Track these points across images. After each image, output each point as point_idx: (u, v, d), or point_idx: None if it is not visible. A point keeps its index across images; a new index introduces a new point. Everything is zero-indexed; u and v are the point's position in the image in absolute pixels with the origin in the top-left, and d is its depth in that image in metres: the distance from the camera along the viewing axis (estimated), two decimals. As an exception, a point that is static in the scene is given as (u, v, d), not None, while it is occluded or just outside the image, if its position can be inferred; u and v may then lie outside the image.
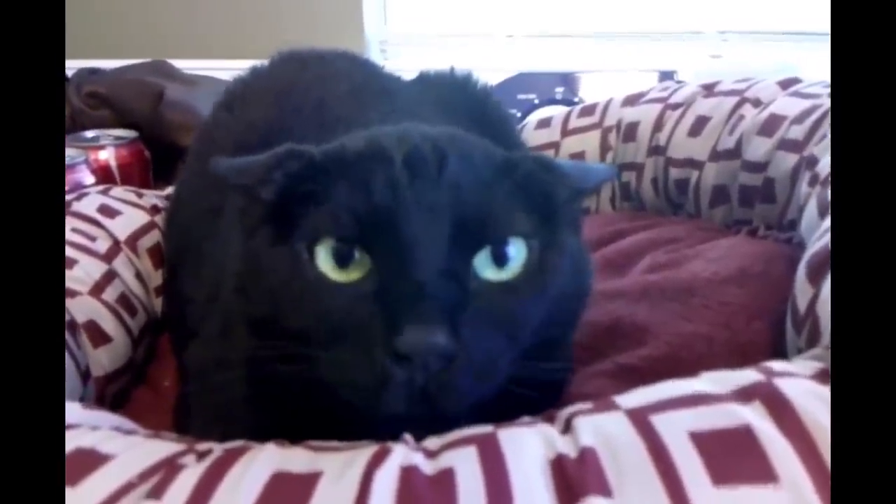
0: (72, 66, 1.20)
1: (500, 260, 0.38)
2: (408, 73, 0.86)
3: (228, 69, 1.27)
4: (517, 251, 0.39)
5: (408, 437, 0.33)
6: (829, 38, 0.36)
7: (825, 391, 0.30)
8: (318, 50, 0.76)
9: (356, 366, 0.36)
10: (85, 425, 0.35)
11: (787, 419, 0.29)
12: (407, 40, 1.62)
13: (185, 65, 1.23)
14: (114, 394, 0.62)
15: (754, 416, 0.29)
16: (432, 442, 0.32)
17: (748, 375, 0.32)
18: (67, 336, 0.58)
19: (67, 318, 0.59)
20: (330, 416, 0.38)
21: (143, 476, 0.31)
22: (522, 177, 0.41)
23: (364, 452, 0.31)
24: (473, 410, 0.36)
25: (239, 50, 1.43)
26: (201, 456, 0.32)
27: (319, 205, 0.39)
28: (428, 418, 0.35)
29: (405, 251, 0.37)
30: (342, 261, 0.38)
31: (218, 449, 0.33)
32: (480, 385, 0.36)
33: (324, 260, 0.38)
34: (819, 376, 0.31)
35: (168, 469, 0.31)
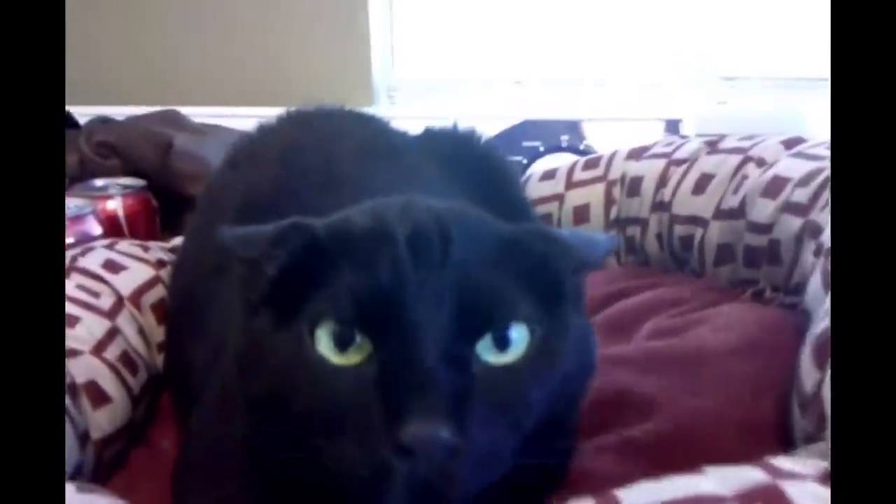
0: (83, 112, 1.22)
1: (502, 344, 0.38)
2: (415, 119, 0.87)
3: (238, 115, 1.29)
4: (519, 335, 0.38)
5: None
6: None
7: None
8: (326, 108, 0.76)
9: (356, 456, 0.35)
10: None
11: (794, 528, 0.28)
12: (414, 86, 1.64)
13: (194, 111, 1.25)
14: (112, 456, 0.61)
15: (759, 523, 0.28)
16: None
17: (754, 476, 0.31)
18: (67, 400, 0.57)
19: (68, 380, 0.59)
20: (330, 502, 0.38)
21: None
22: (529, 255, 0.40)
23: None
24: (475, 496, 0.36)
25: (248, 97, 1.45)
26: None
27: (321, 285, 0.39)
28: None
29: (408, 336, 0.36)
30: (343, 344, 0.38)
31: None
32: (484, 475, 0.36)
33: (324, 343, 0.38)
34: (824, 478, 0.30)
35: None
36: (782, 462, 0.32)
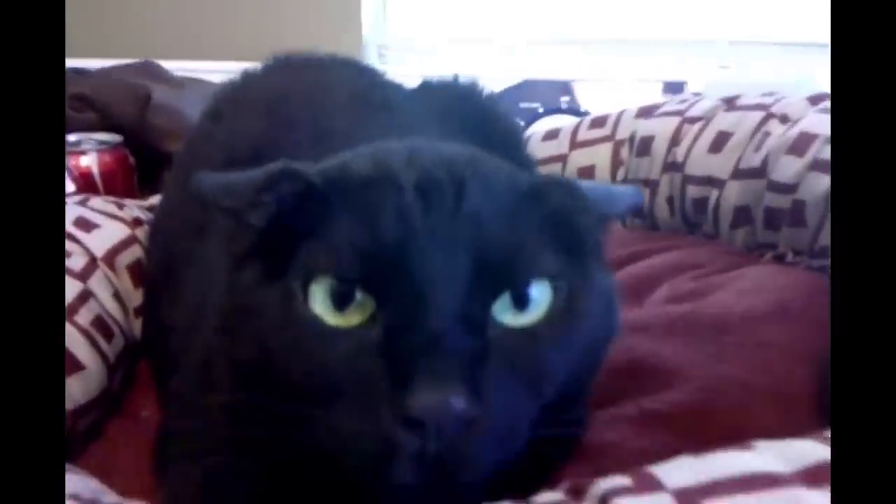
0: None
1: (520, 303, 0.34)
2: (407, 78, 0.81)
3: (220, 71, 1.23)
4: (541, 294, 0.34)
5: None
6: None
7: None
8: (315, 55, 0.71)
9: (358, 431, 0.31)
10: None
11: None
12: (406, 45, 1.59)
13: (174, 66, 1.19)
14: (86, 427, 0.57)
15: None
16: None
17: (813, 450, 0.27)
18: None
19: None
20: (326, 482, 0.34)
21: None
22: (549, 206, 0.36)
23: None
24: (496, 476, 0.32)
25: (231, 51, 1.39)
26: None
27: (316, 236, 0.35)
28: (441, 489, 0.31)
29: (417, 295, 0.32)
30: (341, 302, 0.33)
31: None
32: (501, 450, 0.32)
33: (320, 301, 0.34)
34: None
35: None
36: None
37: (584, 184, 0.40)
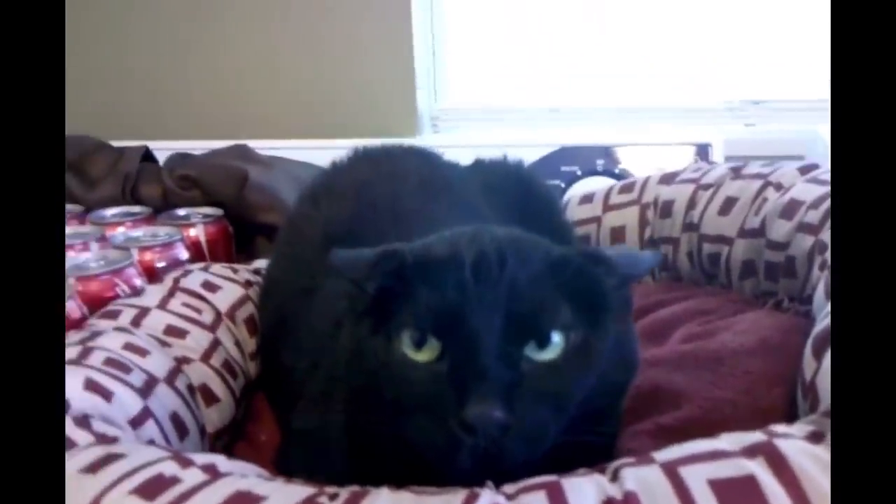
0: (161, 146, 1.36)
1: (543, 344, 0.46)
2: (458, 147, 0.96)
3: (297, 147, 1.42)
4: (558, 338, 0.46)
5: (490, 483, 0.42)
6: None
7: (815, 449, 0.38)
8: (388, 147, 0.87)
9: (433, 432, 0.45)
10: (236, 473, 0.45)
11: (784, 471, 0.38)
12: (456, 115, 1.74)
13: (257, 144, 1.37)
14: (221, 448, 0.71)
15: (758, 469, 0.38)
16: (509, 487, 0.42)
17: (756, 437, 0.41)
18: (188, 397, 0.69)
19: (187, 382, 0.70)
20: (412, 468, 0.48)
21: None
22: (571, 272, 0.49)
23: (458, 495, 0.41)
24: (531, 466, 0.45)
25: (305, 129, 1.58)
26: (332, 497, 0.42)
27: (406, 298, 0.49)
28: (488, 472, 0.44)
29: (470, 340, 0.45)
30: (418, 344, 0.47)
31: (344, 492, 0.42)
32: (530, 449, 0.45)
33: (406, 344, 0.48)
34: (811, 437, 0.40)
35: (310, 506, 0.41)
36: (777, 427, 0.42)
37: (613, 250, 0.54)
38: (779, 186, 0.82)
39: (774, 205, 0.80)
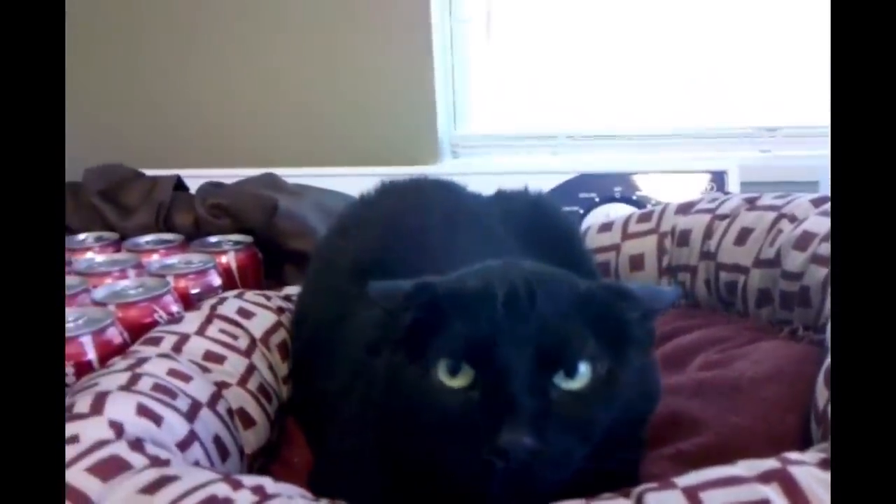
0: (194, 174, 1.41)
1: (570, 374, 0.49)
2: (478, 175, 0.99)
3: (322, 175, 1.47)
4: (585, 369, 0.49)
5: None
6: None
7: (825, 475, 0.41)
8: (415, 180, 0.90)
9: (465, 456, 0.48)
10: (283, 494, 0.49)
11: (797, 496, 0.40)
12: (475, 141, 1.78)
13: (285, 171, 1.41)
14: (258, 469, 0.74)
15: (773, 494, 0.41)
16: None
17: (770, 463, 0.44)
18: (228, 420, 0.72)
19: (227, 406, 0.73)
20: (444, 490, 0.51)
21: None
22: (597, 306, 0.52)
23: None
24: (558, 490, 0.48)
25: (330, 158, 1.63)
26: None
27: (441, 329, 0.52)
28: (517, 497, 0.48)
29: (502, 371, 0.48)
30: (453, 372, 0.50)
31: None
32: (557, 473, 0.48)
33: (441, 371, 0.51)
34: (822, 464, 0.43)
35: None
36: (791, 455, 0.44)
37: (636, 285, 0.56)
38: (793, 218, 0.85)
39: (788, 236, 0.83)
